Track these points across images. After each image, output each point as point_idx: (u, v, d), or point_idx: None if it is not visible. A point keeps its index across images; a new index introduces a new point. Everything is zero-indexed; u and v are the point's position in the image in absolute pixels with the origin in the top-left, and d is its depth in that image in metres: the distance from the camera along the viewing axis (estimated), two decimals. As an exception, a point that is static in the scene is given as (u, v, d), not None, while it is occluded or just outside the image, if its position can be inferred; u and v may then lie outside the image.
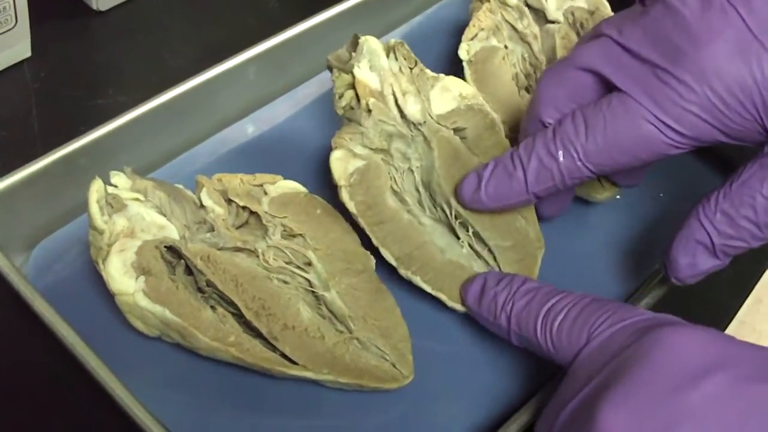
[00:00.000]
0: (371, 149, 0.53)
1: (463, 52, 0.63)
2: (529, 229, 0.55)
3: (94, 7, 0.72)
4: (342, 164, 0.52)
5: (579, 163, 0.49)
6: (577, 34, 0.64)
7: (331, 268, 0.51)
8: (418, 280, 0.52)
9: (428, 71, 0.56)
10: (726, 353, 0.38)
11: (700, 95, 0.46)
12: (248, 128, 0.63)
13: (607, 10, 0.65)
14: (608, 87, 0.49)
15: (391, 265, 0.53)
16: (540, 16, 0.65)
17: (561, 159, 0.49)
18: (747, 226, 0.48)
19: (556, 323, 0.46)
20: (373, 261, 0.52)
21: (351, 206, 0.52)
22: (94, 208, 0.48)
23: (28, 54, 0.67)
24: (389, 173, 0.54)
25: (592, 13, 0.65)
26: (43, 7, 0.68)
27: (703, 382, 0.36)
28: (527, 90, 0.63)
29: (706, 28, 0.46)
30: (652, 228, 0.62)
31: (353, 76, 0.53)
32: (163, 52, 0.70)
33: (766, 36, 0.44)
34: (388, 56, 0.55)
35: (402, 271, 0.52)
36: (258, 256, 0.50)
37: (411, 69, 0.55)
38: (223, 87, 0.61)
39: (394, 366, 0.50)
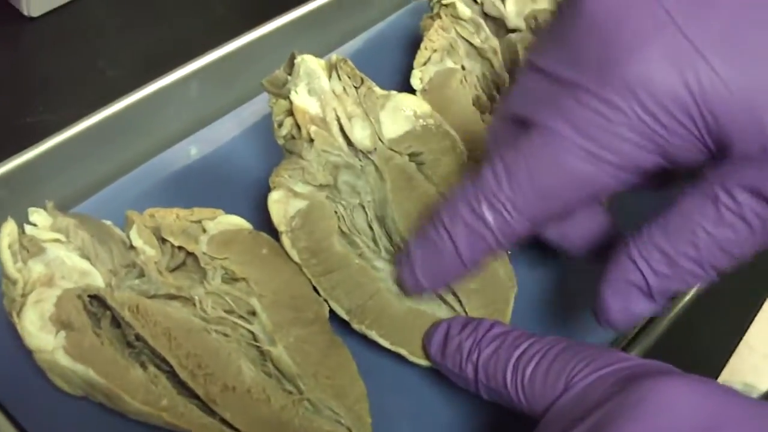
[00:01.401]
0: (314, 186, 0.48)
1: (415, 81, 0.57)
2: (497, 266, 0.50)
3: (25, 13, 0.67)
4: (281, 207, 0.47)
5: (511, 219, 0.43)
6: None
7: (278, 317, 0.46)
8: (373, 335, 0.47)
9: (377, 89, 0.51)
10: (725, 411, 0.34)
11: (629, 115, 0.39)
12: (191, 150, 0.58)
13: None
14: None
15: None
16: (499, 25, 0.59)
17: (489, 219, 0.43)
18: (687, 266, 0.41)
19: (528, 371, 0.41)
20: (326, 308, 0.47)
21: (293, 255, 0.47)
22: (5, 254, 0.43)
23: (-51, 65, 0.62)
24: (336, 212, 0.49)
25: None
26: (-33, 13, 0.64)
27: None
28: (491, 113, 0.57)
29: (629, 36, 0.38)
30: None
31: (291, 102, 0.48)
32: (100, 62, 0.65)
33: (701, 39, 0.37)
34: (330, 76, 0.49)
35: (355, 325, 0.47)
36: (195, 305, 0.45)
37: (357, 88, 0.50)
38: (164, 105, 0.56)
39: (350, 431, 0.45)
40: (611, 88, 0.39)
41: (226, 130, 0.60)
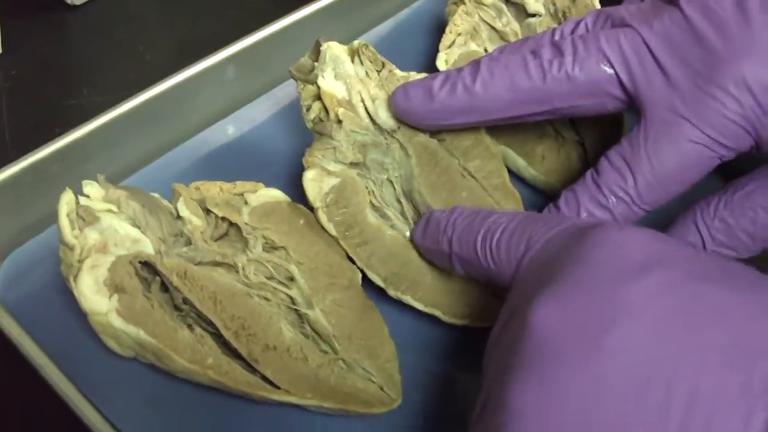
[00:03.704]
0: (345, 164, 0.50)
1: (441, 62, 0.59)
2: None
3: (69, 1, 0.69)
4: (316, 184, 0.49)
5: (635, 207, 0.47)
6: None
7: (314, 283, 0.48)
8: (409, 299, 0.49)
9: (397, 71, 0.53)
10: (665, 251, 0.35)
11: (743, 105, 0.43)
12: (228, 129, 0.60)
13: None
14: (622, 87, 0.47)
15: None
16: (520, 10, 0.62)
17: (614, 208, 0.47)
18: (743, 238, 0.46)
19: (495, 237, 0.43)
20: (359, 275, 0.49)
21: (330, 228, 0.49)
22: (64, 221, 0.45)
23: (-1, 51, 0.64)
24: (367, 187, 0.51)
25: (574, 0, 0.61)
26: (14, 1, 0.66)
27: (641, 278, 0.33)
28: None
29: (744, 31, 0.43)
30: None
31: (318, 87, 0.50)
32: (140, 47, 0.67)
33: None
34: (353, 60, 0.51)
35: (391, 292, 0.49)
36: (238, 271, 0.47)
37: (378, 72, 0.52)
38: (202, 86, 0.58)
39: (382, 389, 0.47)
40: (730, 79, 0.43)
41: (261, 110, 0.62)
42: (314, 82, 0.51)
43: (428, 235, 0.48)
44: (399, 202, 0.52)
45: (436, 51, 0.60)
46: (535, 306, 0.34)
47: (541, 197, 0.59)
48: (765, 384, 0.29)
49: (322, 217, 0.49)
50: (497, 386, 0.35)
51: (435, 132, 0.53)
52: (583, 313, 0.33)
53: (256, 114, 0.62)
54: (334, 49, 0.51)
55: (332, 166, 0.50)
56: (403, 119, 0.51)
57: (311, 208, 0.50)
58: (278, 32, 0.61)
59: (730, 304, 0.32)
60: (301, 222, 0.50)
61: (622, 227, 0.38)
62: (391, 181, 0.52)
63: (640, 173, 0.46)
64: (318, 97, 0.51)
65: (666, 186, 0.46)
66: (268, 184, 0.51)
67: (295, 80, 0.52)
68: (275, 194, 0.50)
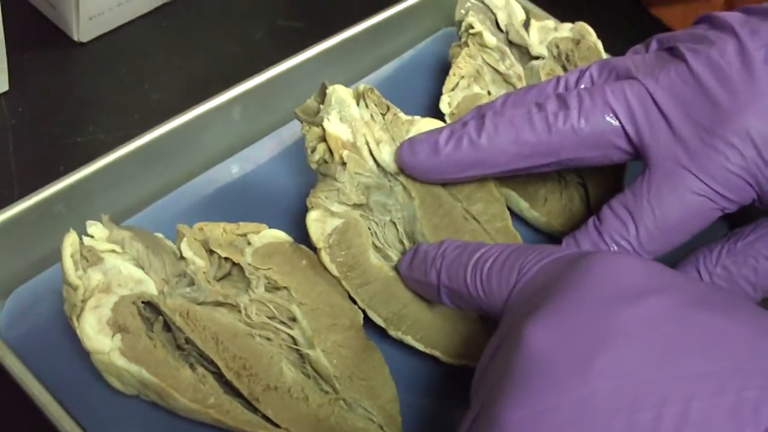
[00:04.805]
0: (349, 206, 0.51)
1: (444, 105, 0.60)
2: None
3: (75, 38, 0.70)
4: (319, 225, 0.50)
5: (636, 255, 0.48)
6: (563, 68, 0.62)
7: (316, 324, 0.49)
8: (409, 339, 0.50)
9: (402, 115, 0.54)
10: (661, 279, 0.36)
11: (747, 158, 0.44)
12: (233, 168, 0.61)
13: (593, 38, 0.63)
14: (627, 139, 0.48)
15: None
16: (524, 52, 0.63)
17: None
18: (744, 286, 0.48)
19: (486, 267, 0.43)
20: (360, 316, 0.50)
21: (332, 269, 0.50)
22: (68, 263, 0.46)
23: (6, 88, 0.65)
24: (370, 228, 0.52)
25: (577, 42, 0.62)
26: (21, 37, 0.67)
27: (637, 303, 0.34)
28: None
29: (749, 86, 0.44)
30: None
31: (323, 129, 0.51)
32: (146, 85, 0.69)
33: None
34: (358, 103, 0.53)
35: (392, 332, 0.50)
36: (240, 311, 0.48)
37: (383, 115, 0.53)
38: (208, 126, 0.59)
39: (382, 429, 0.48)
40: (733, 132, 0.45)
41: (265, 150, 0.63)
42: (319, 124, 0.52)
43: (415, 266, 0.49)
44: (401, 243, 0.53)
45: (440, 92, 0.61)
46: (528, 326, 0.35)
47: (543, 239, 0.60)
48: (754, 407, 0.30)
49: (325, 257, 0.50)
50: (488, 404, 0.35)
51: None
52: (577, 333, 0.34)
53: (261, 154, 0.63)
54: (339, 92, 0.52)
55: (336, 207, 0.51)
56: (409, 173, 0.52)
57: (314, 249, 0.51)
58: (283, 73, 0.62)
59: (725, 331, 0.33)
60: (304, 263, 0.51)
61: (618, 254, 0.39)
62: (393, 223, 0.53)
63: (642, 223, 0.47)
64: (323, 138, 0.52)
65: (668, 236, 0.47)
66: (271, 224, 0.51)
67: (301, 122, 0.53)
68: (278, 235, 0.51)
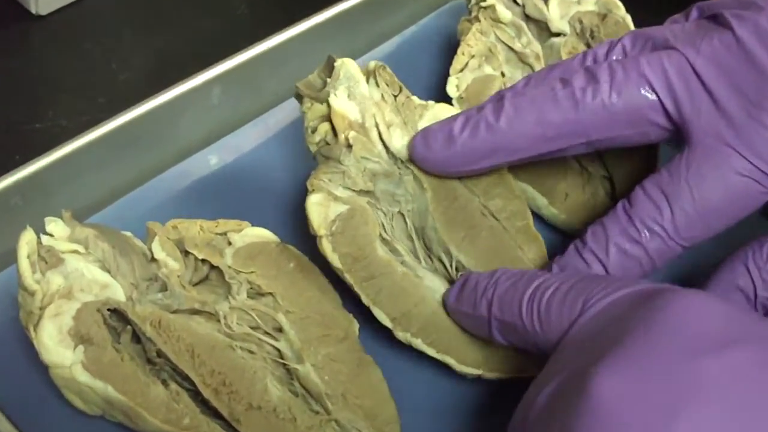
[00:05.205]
0: (355, 191, 0.51)
1: (452, 88, 0.60)
2: (534, 259, 0.54)
3: (33, 11, 0.69)
4: (321, 210, 0.50)
5: (671, 242, 0.47)
6: (587, 45, 0.61)
7: (305, 335, 0.49)
8: (419, 343, 0.50)
9: (415, 98, 0.54)
10: (745, 325, 0.36)
11: None
12: (211, 159, 0.62)
13: (621, 11, 0.62)
14: (665, 114, 0.48)
15: (379, 327, 0.50)
16: (542, 28, 0.63)
17: (648, 243, 0.47)
18: None
19: (545, 298, 0.44)
20: (356, 326, 0.50)
21: (334, 260, 0.49)
22: (24, 264, 0.45)
23: (-43, 67, 0.65)
24: (377, 218, 0.51)
25: (603, 17, 0.62)
26: (-27, 11, 0.66)
27: (721, 354, 0.34)
28: None
29: None
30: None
31: (329, 106, 0.51)
32: (113, 63, 0.68)
33: None
34: (368, 82, 0.53)
35: (400, 334, 0.50)
36: (219, 320, 0.48)
37: (395, 96, 0.53)
38: (183, 111, 0.60)
39: (379, 455, 0.48)
40: None
41: (248, 138, 0.63)
42: (324, 101, 0.52)
43: (465, 297, 0.49)
44: (410, 239, 0.53)
45: (447, 74, 0.61)
46: (596, 373, 0.35)
47: (561, 239, 0.60)
48: None
49: (326, 246, 0.50)
50: None
51: None
52: (654, 385, 0.33)
53: (243, 142, 0.63)
54: (349, 67, 0.52)
55: (340, 192, 0.51)
56: (424, 167, 0.52)
57: (313, 237, 0.50)
58: (268, 51, 0.62)
59: None
60: (292, 265, 0.51)
61: (697, 293, 0.39)
62: (402, 215, 0.53)
63: (678, 205, 0.47)
64: (326, 118, 0.52)
65: (707, 221, 0.47)
66: (254, 223, 0.51)
67: (300, 98, 0.53)
68: (262, 234, 0.51)
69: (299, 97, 0.53)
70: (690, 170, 0.47)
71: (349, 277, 0.50)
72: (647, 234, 0.47)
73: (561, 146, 0.49)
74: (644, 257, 0.48)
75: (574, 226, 0.59)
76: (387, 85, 0.53)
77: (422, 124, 0.53)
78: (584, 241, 0.49)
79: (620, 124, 0.48)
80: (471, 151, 0.50)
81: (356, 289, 0.50)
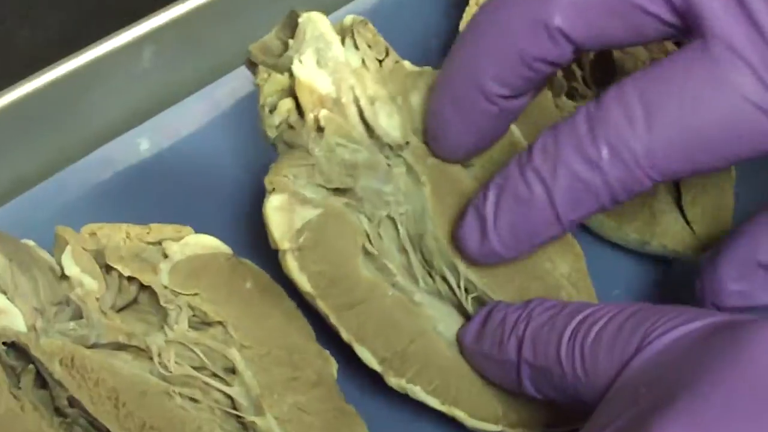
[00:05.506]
0: (328, 190, 0.50)
1: None
2: (570, 273, 0.53)
3: None
4: (285, 216, 0.48)
5: (638, 171, 0.44)
6: None
7: (267, 377, 0.47)
8: (418, 391, 0.48)
9: (407, 64, 0.53)
10: None
11: None
12: (140, 144, 0.61)
13: None
14: (670, 5, 0.45)
15: (363, 366, 0.49)
16: None
17: (607, 168, 0.45)
18: None
19: (592, 333, 0.43)
20: (333, 366, 0.49)
21: (303, 282, 0.48)
22: None
23: None
24: (359, 226, 0.50)
25: None
26: None
27: None
28: (570, 95, 0.60)
29: None
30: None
31: (292, 77, 0.50)
32: (8, 20, 0.67)
33: None
34: (343, 43, 0.51)
35: (392, 380, 0.48)
36: (152, 358, 0.47)
37: (380, 61, 0.52)
38: (103, 80, 0.58)
39: None
40: None
41: (190, 115, 0.62)
42: (285, 70, 0.50)
43: (488, 335, 0.48)
44: (403, 251, 0.51)
45: (452, 32, 0.61)
46: (662, 424, 0.34)
47: (611, 251, 0.60)
48: None
49: (292, 264, 0.48)
50: None
51: None
52: None
53: (183, 122, 0.62)
54: (318, 24, 0.50)
55: (309, 192, 0.49)
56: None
57: (268, 256, 0.49)
58: (218, 2, 0.61)
59: None
60: (248, 285, 0.49)
61: None
62: (392, 220, 0.51)
63: (659, 120, 0.44)
64: (290, 92, 0.50)
65: (691, 151, 0.44)
66: (198, 228, 0.50)
67: (253, 67, 0.52)
68: (209, 243, 0.50)
69: (252, 66, 0.52)
70: (686, 79, 0.43)
71: (323, 305, 0.48)
72: (607, 154, 0.44)
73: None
74: (601, 186, 0.45)
75: (626, 235, 0.58)
76: (369, 46, 0.52)
77: (417, 97, 0.52)
78: (530, 155, 0.47)
79: (602, 13, 0.46)
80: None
81: (333, 320, 0.48)
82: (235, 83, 0.63)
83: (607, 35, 0.46)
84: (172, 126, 0.62)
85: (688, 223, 0.57)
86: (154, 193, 0.59)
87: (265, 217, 0.48)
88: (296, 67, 0.49)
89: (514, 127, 0.54)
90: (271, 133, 0.51)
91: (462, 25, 0.59)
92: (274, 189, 0.48)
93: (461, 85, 0.49)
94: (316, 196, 0.49)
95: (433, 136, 0.51)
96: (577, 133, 0.45)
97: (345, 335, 0.48)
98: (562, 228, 0.47)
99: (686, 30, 0.45)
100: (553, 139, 0.46)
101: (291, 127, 0.50)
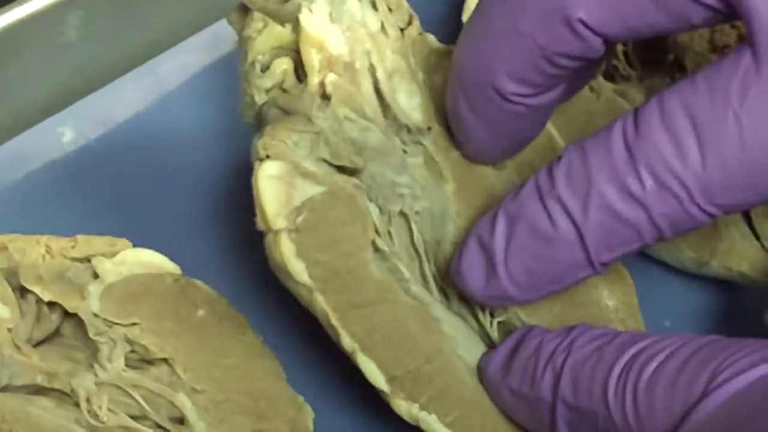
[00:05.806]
0: (334, 166, 0.49)
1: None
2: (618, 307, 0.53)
3: None
4: (281, 189, 0.47)
5: (693, 208, 0.45)
6: None
7: (225, 430, 0.48)
8: (432, 422, 0.48)
9: (431, 38, 0.53)
10: None
11: None
12: (64, 133, 0.61)
13: None
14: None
15: (355, 408, 0.50)
16: None
17: (652, 204, 0.45)
18: None
19: (648, 372, 0.43)
20: (309, 416, 0.49)
21: (299, 270, 0.47)
22: None
23: None
24: (369, 215, 0.50)
25: None
26: None
27: None
28: (608, 75, 0.60)
29: None
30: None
31: (297, 30, 0.50)
32: None
33: None
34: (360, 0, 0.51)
35: (401, 404, 0.48)
36: (78, 404, 0.47)
37: (402, 30, 0.52)
38: (18, 53, 0.58)
39: None
40: None
41: (125, 98, 0.62)
42: (290, 21, 0.50)
43: (517, 365, 0.48)
44: (415, 256, 0.52)
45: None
46: None
47: (669, 278, 0.60)
48: None
49: (287, 248, 0.47)
50: None
51: None
52: None
53: (117, 106, 0.62)
54: None
55: (311, 164, 0.49)
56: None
57: (254, 238, 0.48)
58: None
59: None
60: (201, 313, 0.49)
61: None
62: (405, 217, 0.51)
63: (715, 147, 0.44)
64: (290, 50, 0.51)
65: (755, 180, 0.44)
66: (137, 241, 0.50)
67: (241, 18, 0.51)
68: (150, 260, 0.50)
69: (242, 15, 0.51)
70: (744, 91, 0.43)
71: (322, 301, 0.47)
72: (653, 186, 0.45)
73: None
74: (645, 224, 0.45)
75: (679, 253, 0.59)
76: (390, 10, 0.52)
77: (440, 79, 0.53)
78: (552, 179, 0.47)
79: (635, 2, 0.46)
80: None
81: (334, 321, 0.47)
82: (185, 57, 0.63)
83: (644, 25, 0.46)
84: (102, 112, 0.62)
85: (758, 239, 0.58)
86: (80, 197, 0.58)
87: (255, 189, 0.47)
88: (305, 17, 0.49)
89: (550, 125, 0.54)
90: (258, 98, 0.50)
91: (464, 16, 0.61)
92: (269, 155, 0.48)
93: (474, 84, 0.49)
94: (320, 171, 0.49)
95: (456, 137, 0.51)
96: (613, 158, 0.45)
97: (348, 342, 0.48)
98: (593, 271, 0.48)
99: (731, 13, 0.45)
100: (582, 162, 0.46)
101: (284, 91, 0.50)
